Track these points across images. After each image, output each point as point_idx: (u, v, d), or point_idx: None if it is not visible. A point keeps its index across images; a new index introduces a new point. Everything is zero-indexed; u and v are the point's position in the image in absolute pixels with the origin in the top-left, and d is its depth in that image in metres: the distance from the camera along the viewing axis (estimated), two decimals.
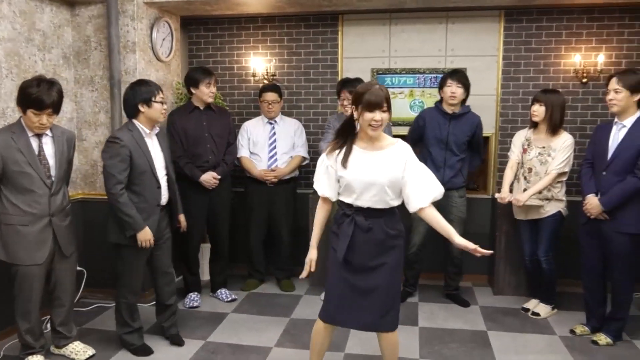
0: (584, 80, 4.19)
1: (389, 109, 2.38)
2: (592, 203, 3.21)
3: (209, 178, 3.83)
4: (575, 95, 4.25)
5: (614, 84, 3.15)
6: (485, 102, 4.35)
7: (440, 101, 3.87)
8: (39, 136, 2.83)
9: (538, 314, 3.75)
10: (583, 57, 4.17)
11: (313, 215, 4.23)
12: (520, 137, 3.76)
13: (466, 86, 3.77)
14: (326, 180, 2.54)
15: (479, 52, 4.36)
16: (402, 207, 2.51)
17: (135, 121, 3.05)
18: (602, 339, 3.31)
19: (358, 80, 3.82)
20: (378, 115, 2.34)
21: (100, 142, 3.93)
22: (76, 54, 3.99)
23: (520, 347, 3.31)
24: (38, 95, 2.66)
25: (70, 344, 3.15)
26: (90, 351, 3.15)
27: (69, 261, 3.02)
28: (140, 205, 3.00)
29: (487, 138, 4.37)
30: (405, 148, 2.49)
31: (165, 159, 3.20)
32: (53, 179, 2.86)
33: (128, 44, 3.91)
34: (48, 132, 2.87)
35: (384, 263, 2.50)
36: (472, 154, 3.98)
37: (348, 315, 2.55)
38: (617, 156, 3.14)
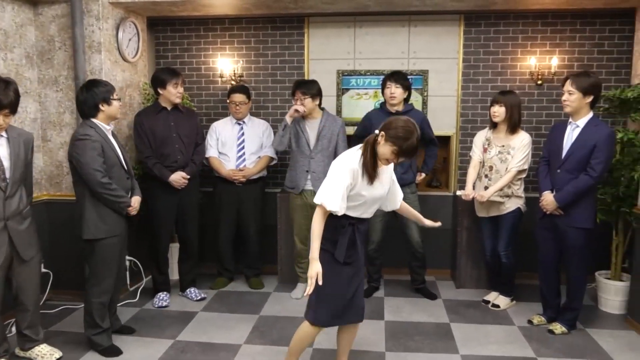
0: (539, 82, 4.30)
1: None
2: (548, 199, 3.30)
3: (178, 178, 3.77)
4: (531, 97, 4.36)
5: (568, 85, 3.23)
6: (446, 102, 4.42)
7: (385, 102, 3.93)
8: None
9: (498, 306, 3.83)
10: (538, 60, 4.28)
11: (281, 213, 4.27)
12: (480, 137, 3.83)
13: (405, 86, 3.82)
14: (342, 198, 2.42)
15: (440, 54, 4.42)
16: None
17: (93, 120, 3.03)
18: (558, 328, 3.40)
19: (312, 82, 3.86)
20: (399, 159, 2.42)
21: (65, 142, 3.80)
22: (40, 54, 3.85)
23: (481, 337, 3.38)
24: None
25: (37, 347, 3.03)
26: (57, 354, 3.04)
27: (29, 265, 2.89)
28: None
29: (448, 138, 4.45)
30: None
31: (124, 154, 3.21)
32: (8, 181, 2.73)
33: (93, 44, 3.80)
34: (3, 133, 2.74)
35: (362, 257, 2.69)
36: (427, 146, 4.01)
37: (346, 313, 2.62)
38: (570, 155, 3.23)
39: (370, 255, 4.07)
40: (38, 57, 3.86)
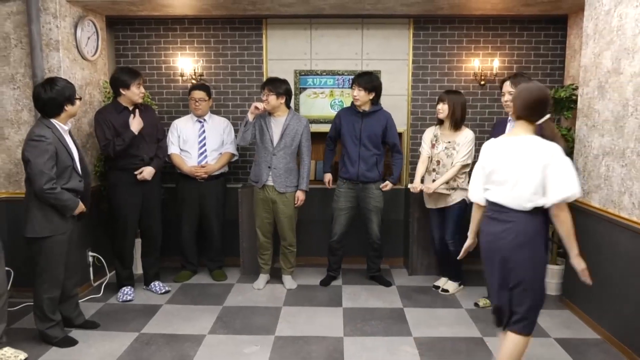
0: (482, 82, 4.43)
1: None
2: None
3: (151, 171, 3.72)
4: (475, 96, 4.49)
5: (507, 86, 3.34)
6: (397, 101, 4.48)
7: None
8: None
9: (447, 290, 3.93)
10: (481, 62, 4.41)
11: (243, 208, 4.23)
12: (429, 134, 3.90)
13: (367, 88, 3.78)
14: None
15: (391, 56, 4.48)
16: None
17: (52, 120, 2.92)
18: None
19: (281, 81, 3.81)
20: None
21: (23, 140, 3.62)
22: None
23: (432, 320, 3.46)
24: None
25: (0, 350, 2.85)
26: (22, 355, 2.88)
27: None
28: None
29: (400, 134, 4.51)
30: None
31: (80, 153, 3.09)
32: None
33: (51, 42, 3.63)
34: None
35: None
36: (392, 154, 4.00)
37: None
38: None
39: (333, 247, 4.08)
40: None
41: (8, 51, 3.64)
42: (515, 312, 2.36)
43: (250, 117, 3.75)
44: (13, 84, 3.67)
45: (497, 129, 3.51)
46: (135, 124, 3.63)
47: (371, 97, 3.83)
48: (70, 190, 2.95)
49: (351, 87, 3.88)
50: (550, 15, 4.26)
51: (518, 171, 2.26)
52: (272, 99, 3.76)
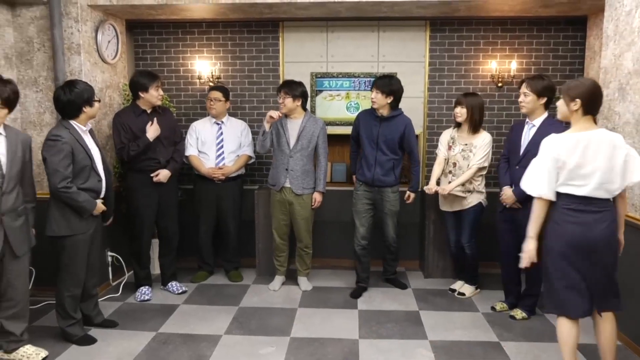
0: (500, 84, 4.39)
1: None
2: (507, 194, 3.38)
3: (167, 174, 3.76)
4: (492, 98, 4.45)
5: (523, 88, 3.31)
6: (413, 104, 4.46)
7: None
8: None
9: (463, 294, 3.90)
10: (498, 64, 4.37)
11: (259, 210, 4.25)
12: (445, 136, 3.87)
13: (384, 92, 3.68)
14: None
15: (407, 58, 4.47)
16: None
17: (71, 121, 2.99)
18: (519, 313, 3.49)
19: (297, 84, 3.81)
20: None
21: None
22: (19, 55, 3.73)
23: (448, 323, 3.44)
24: None
25: (22, 348, 2.89)
26: (43, 353, 2.93)
27: (21, 262, 2.81)
28: None
29: (416, 137, 4.49)
30: None
31: (101, 153, 3.16)
32: (4, 178, 2.66)
33: (72, 45, 3.70)
34: (1, 130, 2.67)
35: None
36: (411, 161, 3.93)
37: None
38: (528, 152, 3.29)
39: (357, 253, 3.95)
40: (17, 58, 3.74)
41: (31, 55, 3.72)
42: (606, 295, 2.49)
43: (266, 126, 3.76)
44: (36, 87, 3.75)
45: (514, 132, 3.47)
46: (152, 131, 3.66)
47: (389, 100, 3.74)
48: (87, 190, 3.00)
49: (371, 90, 3.84)
50: (569, 16, 4.21)
51: (606, 162, 2.38)
52: (289, 101, 3.77)
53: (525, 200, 3.29)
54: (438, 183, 3.84)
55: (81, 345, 3.09)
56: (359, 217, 3.93)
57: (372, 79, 4.43)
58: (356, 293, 3.96)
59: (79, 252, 3.04)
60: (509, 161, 3.49)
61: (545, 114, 3.31)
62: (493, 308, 3.66)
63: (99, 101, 3.11)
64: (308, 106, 4.31)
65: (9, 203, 2.69)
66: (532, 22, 4.33)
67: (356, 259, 4.01)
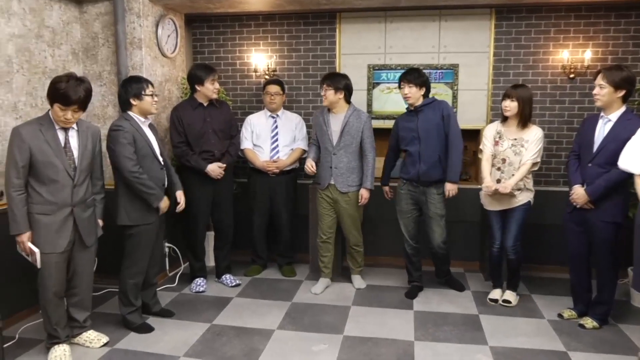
0: (572, 75, 4.15)
1: None
2: (579, 193, 3.18)
3: (215, 168, 3.79)
4: (562, 90, 4.21)
5: (599, 79, 3.09)
6: (476, 96, 4.31)
7: None
8: (65, 129, 2.79)
9: (509, 302, 3.65)
10: (571, 54, 4.13)
11: (313, 204, 4.25)
12: (491, 131, 3.63)
13: (418, 84, 3.57)
14: None
15: (470, 48, 4.31)
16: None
17: (130, 112, 3.15)
18: (589, 322, 3.29)
19: (340, 76, 3.74)
20: None
21: None
22: (85, 50, 3.92)
23: (510, 329, 3.29)
24: (65, 91, 2.63)
25: (85, 333, 3.07)
26: (105, 339, 3.09)
27: (89, 251, 2.97)
28: None
29: (477, 131, 4.33)
30: None
31: (160, 145, 3.28)
32: (77, 170, 2.81)
33: (134, 40, 3.84)
34: (74, 125, 2.82)
35: None
36: (448, 145, 3.67)
37: None
38: (602, 148, 3.09)
39: (407, 252, 3.88)
40: (83, 53, 3.93)
41: (96, 50, 3.90)
42: None
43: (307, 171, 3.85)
44: (100, 81, 3.93)
45: (586, 126, 3.26)
46: (213, 170, 3.77)
47: (422, 92, 3.62)
48: (152, 178, 3.12)
49: (399, 88, 3.69)
50: None
51: None
52: (330, 94, 3.69)
53: (598, 200, 3.11)
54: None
55: (140, 332, 3.22)
56: (401, 216, 3.83)
57: (433, 71, 4.32)
58: (412, 293, 3.87)
59: (145, 241, 3.19)
60: (580, 158, 3.29)
61: (623, 108, 3.09)
62: (560, 315, 3.46)
63: (152, 95, 3.17)
64: (364, 99, 4.27)
65: (80, 194, 2.83)
66: (610, 7, 4.05)
67: (406, 258, 3.93)
